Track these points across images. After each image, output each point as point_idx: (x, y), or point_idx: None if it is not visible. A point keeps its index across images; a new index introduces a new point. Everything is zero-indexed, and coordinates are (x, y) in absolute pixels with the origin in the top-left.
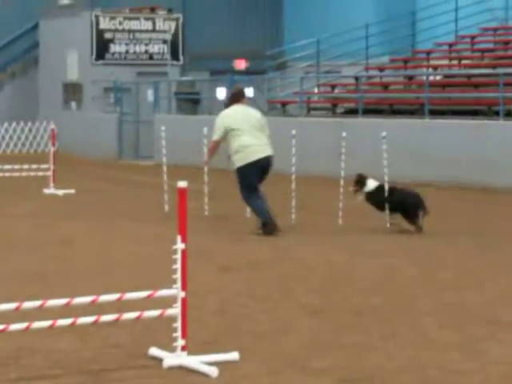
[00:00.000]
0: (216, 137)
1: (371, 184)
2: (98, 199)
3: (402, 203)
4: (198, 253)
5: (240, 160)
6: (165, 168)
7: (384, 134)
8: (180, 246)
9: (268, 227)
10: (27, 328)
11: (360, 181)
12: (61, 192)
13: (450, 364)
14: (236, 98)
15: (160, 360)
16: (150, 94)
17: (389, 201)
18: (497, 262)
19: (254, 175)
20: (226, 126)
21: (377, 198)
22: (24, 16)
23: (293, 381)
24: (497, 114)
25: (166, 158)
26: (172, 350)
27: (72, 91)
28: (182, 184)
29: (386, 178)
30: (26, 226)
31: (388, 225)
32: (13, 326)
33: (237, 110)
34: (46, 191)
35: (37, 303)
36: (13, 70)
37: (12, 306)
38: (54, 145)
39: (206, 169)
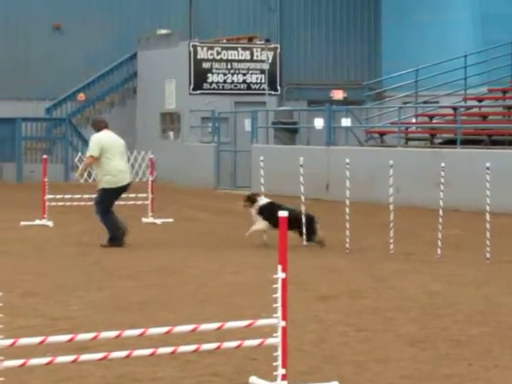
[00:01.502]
0: (95, 153)
1: (263, 200)
2: (195, 228)
3: (297, 220)
4: (296, 282)
5: (110, 183)
6: None
7: (488, 164)
8: (280, 275)
9: (116, 241)
10: (128, 356)
11: (251, 198)
12: (159, 221)
13: None
14: (102, 125)
15: None
16: (247, 124)
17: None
18: None
19: (115, 197)
20: (102, 146)
21: (267, 213)
22: (122, 46)
23: None
24: None
25: (265, 188)
26: (272, 379)
27: (170, 121)
28: (283, 214)
29: (488, 208)
30: (125, 254)
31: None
32: (114, 354)
33: (107, 134)
34: (145, 220)
35: (137, 331)
36: (111, 99)
37: (113, 333)
38: (152, 174)
39: (302, 198)
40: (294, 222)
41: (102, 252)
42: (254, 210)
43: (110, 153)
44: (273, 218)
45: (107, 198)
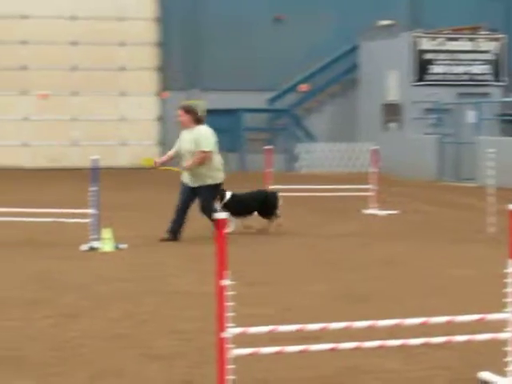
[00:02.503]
0: (213, 148)
1: (227, 195)
2: (419, 220)
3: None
4: None
5: (216, 178)
6: (490, 190)
7: None
8: None
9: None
10: (357, 347)
11: (221, 194)
12: (383, 212)
13: None
14: (203, 117)
15: None
16: (470, 116)
17: (241, 206)
18: None
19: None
20: (215, 140)
21: (232, 206)
22: (343, 37)
23: None
24: None
25: (491, 181)
26: (504, 374)
27: (391, 112)
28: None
29: None
30: (348, 245)
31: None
32: (343, 345)
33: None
34: (366, 211)
35: (366, 323)
36: (332, 90)
37: (342, 325)
38: (375, 165)
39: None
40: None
41: (325, 244)
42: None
43: (215, 147)
44: (236, 208)
45: (215, 194)
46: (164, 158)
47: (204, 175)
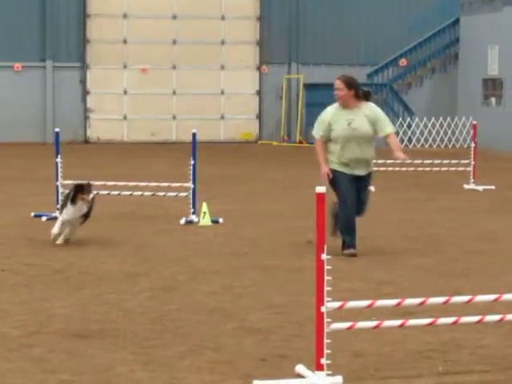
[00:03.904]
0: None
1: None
2: None
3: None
4: None
5: None
6: None
7: None
8: None
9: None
10: (455, 322)
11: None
12: (481, 187)
13: None
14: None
15: None
16: None
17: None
18: None
19: None
20: None
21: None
22: (445, 12)
23: None
24: None
25: None
26: None
27: (492, 87)
28: None
29: None
30: (447, 220)
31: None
32: (441, 320)
33: None
34: (466, 186)
35: (465, 298)
36: (432, 65)
37: (440, 299)
38: (474, 140)
39: None
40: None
41: (424, 220)
42: None
43: None
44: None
45: None
46: (321, 162)
47: (372, 160)
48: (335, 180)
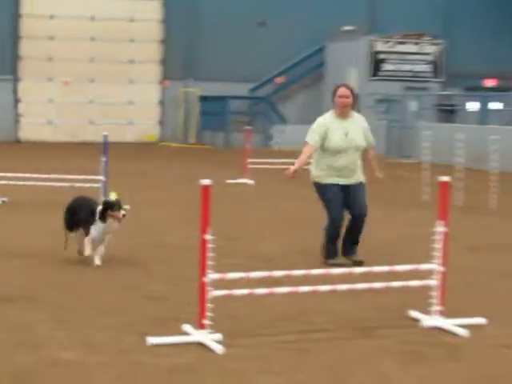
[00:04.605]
0: None
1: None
2: (368, 188)
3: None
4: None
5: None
6: (424, 166)
7: None
8: (441, 229)
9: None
10: (314, 291)
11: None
12: None
13: None
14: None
15: (417, 321)
16: (413, 105)
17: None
18: None
19: None
20: None
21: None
22: (314, 40)
23: None
24: None
25: (426, 158)
26: (428, 313)
27: None
28: (445, 178)
29: None
30: (313, 207)
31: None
32: (302, 289)
33: None
34: None
35: (321, 271)
36: (303, 82)
37: (301, 272)
38: None
39: (458, 168)
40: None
41: (286, 206)
42: None
43: None
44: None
45: None
46: (298, 164)
47: (361, 169)
48: (323, 191)
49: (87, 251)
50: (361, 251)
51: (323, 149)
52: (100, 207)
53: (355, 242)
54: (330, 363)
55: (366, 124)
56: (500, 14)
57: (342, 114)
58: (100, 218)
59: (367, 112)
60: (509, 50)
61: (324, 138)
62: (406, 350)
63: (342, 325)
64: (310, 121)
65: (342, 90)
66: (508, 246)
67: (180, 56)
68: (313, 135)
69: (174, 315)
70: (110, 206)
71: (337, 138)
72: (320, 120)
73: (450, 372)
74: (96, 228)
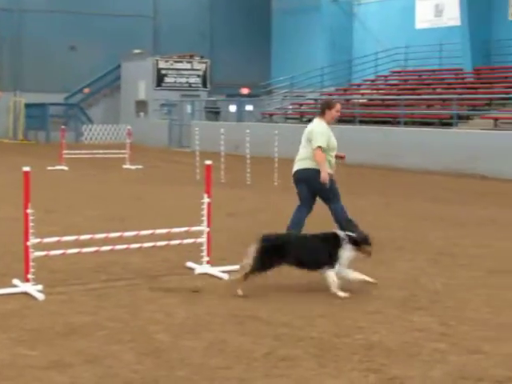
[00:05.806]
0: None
1: None
2: (156, 172)
3: None
4: (214, 204)
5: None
6: (197, 153)
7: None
8: (206, 200)
9: None
10: (112, 249)
11: None
12: (134, 167)
13: None
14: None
15: (193, 269)
16: (188, 108)
17: None
18: None
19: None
20: None
21: None
22: (112, 59)
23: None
24: (398, 122)
25: (198, 147)
26: (200, 263)
27: (141, 106)
28: (208, 162)
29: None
30: (113, 186)
31: None
32: (103, 248)
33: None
34: (124, 166)
35: (117, 234)
36: (105, 92)
37: (102, 235)
38: (130, 138)
39: (222, 154)
40: None
41: (98, 185)
42: None
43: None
44: None
45: None
46: (325, 166)
47: None
48: (330, 182)
49: (336, 292)
50: (135, 216)
51: (325, 148)
52: None
53: None
54: (127, 304)
55: None
56: (249, 39)
57: (330, 122)
58: (355, 245)
59: (154, 114)
60: (256, 66)
61: (327, 140)
62: (184, 292)
63: (135, 274)
64: (111, 121)
65: (340, 106)
66: (257, 210)
67: (9, 72)
68: (322, 140)
69: (4, 272)
70: (365, 241)
71: (334, 140)
72: (323, 127)
73: (214, 306)
74: (346, 252)
